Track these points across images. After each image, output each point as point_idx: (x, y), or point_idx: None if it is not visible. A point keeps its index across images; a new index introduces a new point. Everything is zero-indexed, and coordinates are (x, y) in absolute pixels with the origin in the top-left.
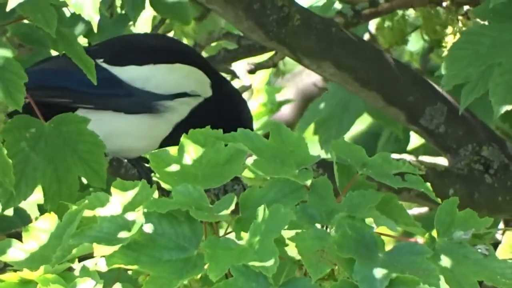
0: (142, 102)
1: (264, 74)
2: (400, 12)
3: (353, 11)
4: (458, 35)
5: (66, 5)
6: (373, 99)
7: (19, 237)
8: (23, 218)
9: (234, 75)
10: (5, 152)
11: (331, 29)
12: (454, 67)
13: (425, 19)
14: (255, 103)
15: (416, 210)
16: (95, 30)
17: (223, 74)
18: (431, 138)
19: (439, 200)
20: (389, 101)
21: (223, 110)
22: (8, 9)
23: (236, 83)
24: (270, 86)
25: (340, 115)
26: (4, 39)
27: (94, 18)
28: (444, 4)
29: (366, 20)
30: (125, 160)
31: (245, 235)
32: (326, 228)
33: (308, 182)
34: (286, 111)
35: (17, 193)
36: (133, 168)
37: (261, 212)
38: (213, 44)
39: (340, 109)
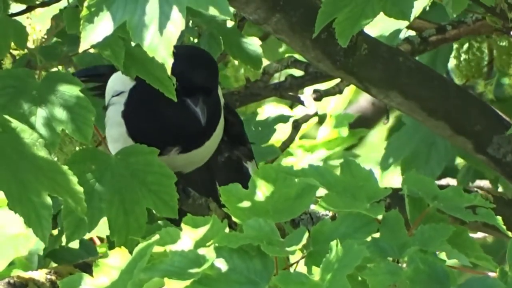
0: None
1: (340, 101)
2: (476, 44)
3: (420, 38)
4: None
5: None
6: (441, 128)
7: (86, 268)
8: (88, 251)
9: (300, 103)
10: (76, 180)
11: (398, 58)
12: None
13: (497, 48)
14: (326, 130)
15: (481, 234)
16: (169, 72)
17: (290, 101)
18: (498, 167)
19: (509, 233)
20: (457, 130)
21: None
22: (80, 50)
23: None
24: (343, 114)
25: (427, 152)
26: (71, 69)
27: (168, 61)
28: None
29: (433, 47)
30: (192, 191)
31: (316, 270)
32: (398, 262)
33: (380, 216)
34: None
35: (82, 225)
36: (200, 198)
37: (334, 247)
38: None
39: (426, 146)
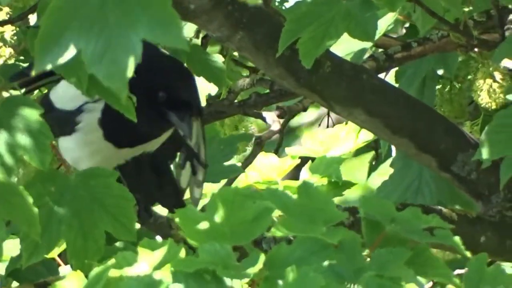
0: (65, 125)
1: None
2: (458, 85)
3: (385, 55)
4: (488, 80)
5: None
6: (405, 146)
7: (46, 287)
8: (50, 269)
9: (263, 120)
10: (31, 201)
11: (362, 76)
12: (491, 152)
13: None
14: (307, 174)
15: None
16: (123, 101)
17: (253, 119)
18: (462, 185)
19: (468, 253)
20: (421, 148)
21: None
22: (34, 74)
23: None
24: (332, 157)
25: (413, 200)
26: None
27: (123, 92)
28: (476, 48)
29: (399, 64)
30: (154, 210)
31: None
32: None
33: (336, 240)
34: None
35: (40, 247)
36: (162, 217)
37: (290, 274)
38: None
39: (412, 193)
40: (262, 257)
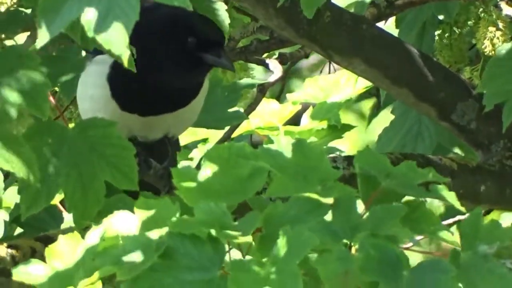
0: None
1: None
2: (458, 30)
3: (386, 2)
4: (491, 28)
5: None
6: (404, 96)
7: (47, 241)
8: (55, 217)
9: (265, 66)
10: (28, 148)
11: (361, 26)
12: (491, 85)
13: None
14: (308, 119)
15: None
16: (126, 64)
17: (255, 65)
18: (462, 134)
19: (463, 209)
20: (420, 98)
21: None
22: (38, 46)
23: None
24: (331, 102)
25: (413, 144)
26: None
27: (125, 53)
28: None
29: (400, 11)
30: (153, 162)
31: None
32: (350, 246)
33: (331, 200)
34: None
35: (38, 199)
36: (163, 169)
37: (284, 235)
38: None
39: (412, 138)
40: (259, 218)
